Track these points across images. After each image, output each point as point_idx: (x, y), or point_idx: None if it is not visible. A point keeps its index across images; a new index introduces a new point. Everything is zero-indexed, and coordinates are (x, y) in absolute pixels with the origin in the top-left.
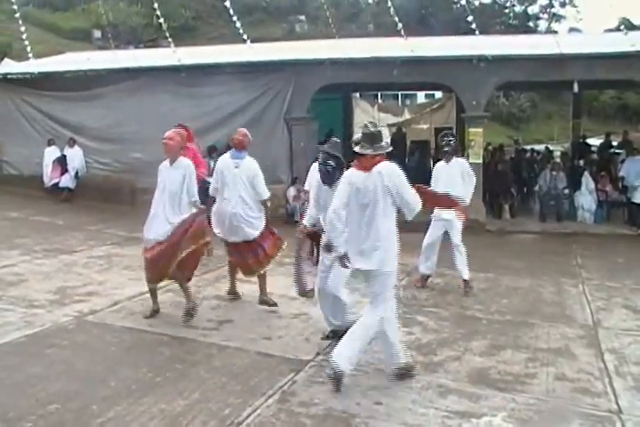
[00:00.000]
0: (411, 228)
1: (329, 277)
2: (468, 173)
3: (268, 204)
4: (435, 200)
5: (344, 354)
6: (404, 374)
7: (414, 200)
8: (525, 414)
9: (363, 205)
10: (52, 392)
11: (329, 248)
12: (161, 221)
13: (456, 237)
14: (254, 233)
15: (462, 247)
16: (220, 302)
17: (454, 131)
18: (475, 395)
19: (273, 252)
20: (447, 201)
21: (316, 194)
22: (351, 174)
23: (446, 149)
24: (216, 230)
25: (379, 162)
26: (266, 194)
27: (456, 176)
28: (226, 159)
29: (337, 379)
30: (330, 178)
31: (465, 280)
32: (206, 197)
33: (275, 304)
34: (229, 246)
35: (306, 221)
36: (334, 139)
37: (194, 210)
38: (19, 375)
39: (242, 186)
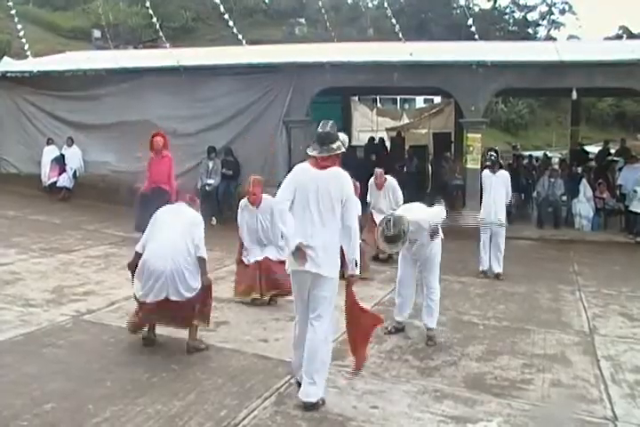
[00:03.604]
0: None
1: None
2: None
3: None
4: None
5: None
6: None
7: (353, 216)
8: (521, 420)
9: (307, 202)
10: (47, 391)
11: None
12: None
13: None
14: None
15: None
16: (217, 303)
17: (452, 136)
18: (470, 400)
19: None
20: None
21: None
22: (301, 170)
23: (489, 162)
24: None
25: (331, 165)
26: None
27: (500, 184)
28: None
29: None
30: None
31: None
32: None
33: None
34: None
35: None
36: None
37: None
38: (14, 374)
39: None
